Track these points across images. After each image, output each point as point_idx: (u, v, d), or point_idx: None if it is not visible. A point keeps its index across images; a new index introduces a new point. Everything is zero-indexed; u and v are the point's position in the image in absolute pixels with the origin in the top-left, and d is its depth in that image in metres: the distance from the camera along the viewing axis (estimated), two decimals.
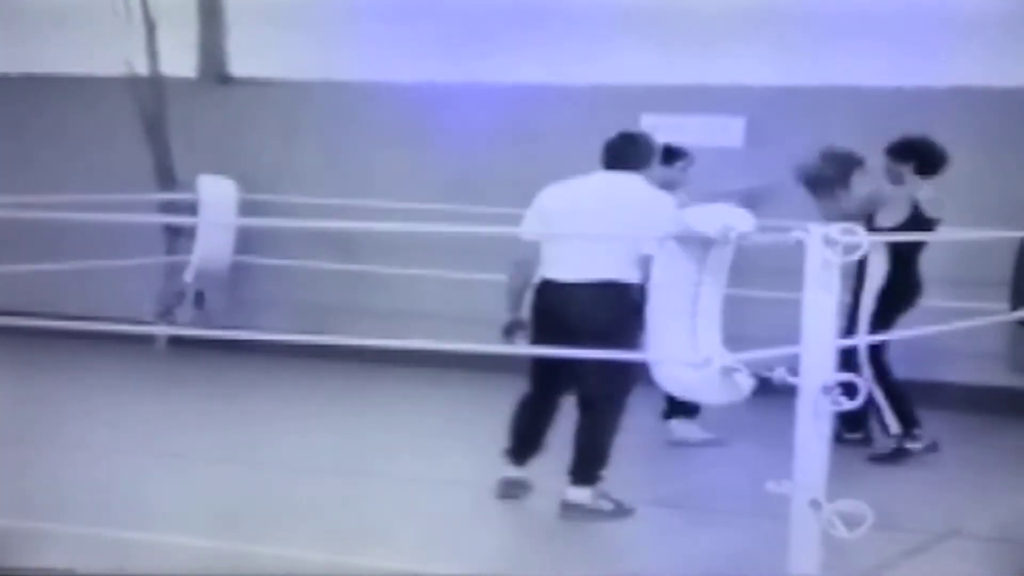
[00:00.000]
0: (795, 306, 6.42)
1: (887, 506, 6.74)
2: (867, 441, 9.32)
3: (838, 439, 8.49)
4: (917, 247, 9.12)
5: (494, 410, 7.82)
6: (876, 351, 9.05)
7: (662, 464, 9.00)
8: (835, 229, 6.33)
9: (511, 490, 7.73)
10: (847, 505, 6.27)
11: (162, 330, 12.20)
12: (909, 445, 9.06)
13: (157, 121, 12.95)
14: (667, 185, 7.76)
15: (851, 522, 6.25)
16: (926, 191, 9.12)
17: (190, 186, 12.43)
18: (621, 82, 11.76)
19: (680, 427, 9.40)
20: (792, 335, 6.41)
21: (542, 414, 7.71)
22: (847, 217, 8.08)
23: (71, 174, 12.81)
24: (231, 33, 13.23)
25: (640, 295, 7.32)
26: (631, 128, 7.95)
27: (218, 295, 12.74)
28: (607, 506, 7.49)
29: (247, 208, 12.27)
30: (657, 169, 7.83)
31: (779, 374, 6.46)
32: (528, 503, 7.69)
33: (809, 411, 6.33)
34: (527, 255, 7.58)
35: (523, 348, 7.60)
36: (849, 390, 6.37)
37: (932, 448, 9.08)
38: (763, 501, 6.44)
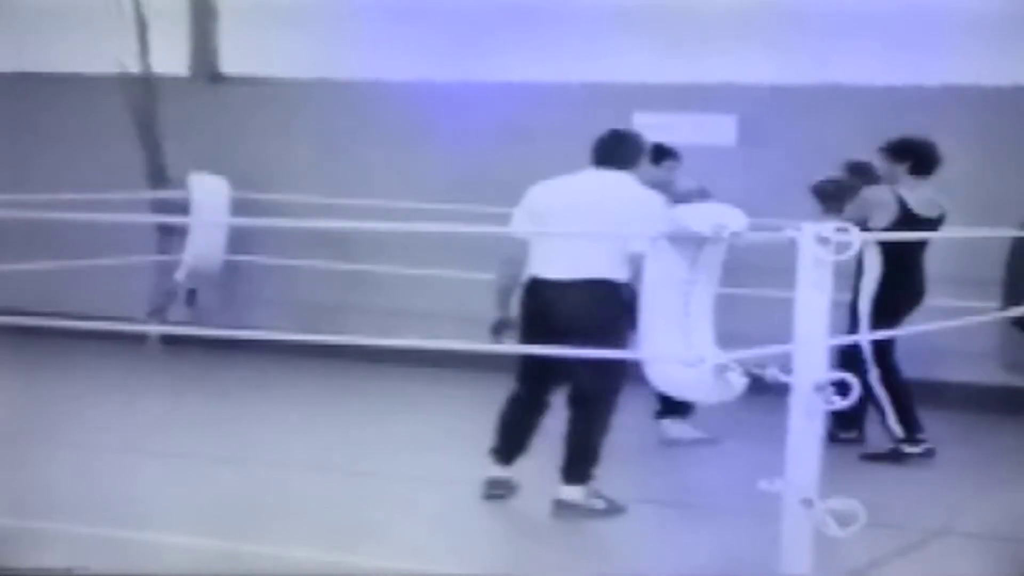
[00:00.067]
0: (788, 305, 6.42)
1: (880, 504, 6.74)
2: (861, 440, 9.31)
3: (832, 438, 8.52)
4: (913, 247, 9.02)
5: (490, 409, 7.81)
6: (883, 352, 8.95)
7: (654, 462, 8.99)
8: (827, 227, 6.34)
9: (497, 490, 7.70)
10: (839, 503, 6.27)
11: (155, 329, 12.18)
12: (908, 450, 9.00)
13: (149, 120, 12.94)
14: (653, 184, 7.75)
15: (844, 520, 6.25)
16: (922, 191, 9.06)
17: (182, 185, 12.43)
18: (615, 80, 11.76)
19: (672, 427, 9.40)
20: (785, 334, 6.41)
21: (530, 413, 7.69)
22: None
23: (62, 173, 12.77)
24: (223, 31, 13.23)
25: (629, 293, 7.32)
26: (622, 126, 7.95)
27: (211, 293, 12.75)
28: (600, 504, 7.48)
29: (240, 207, 12.25)
30: (644, 168, 7.82)
31: (772, 372, 6.46)
32: (521, 502, 7.67)
33: (802, 409, 6.33)
34: (515, 253, 7.55)
35: (518, 347, 7.58)
36: (842, 389, 6.37)
37: (929, 454, 9.02)
38: (756, 499, 6.44)
